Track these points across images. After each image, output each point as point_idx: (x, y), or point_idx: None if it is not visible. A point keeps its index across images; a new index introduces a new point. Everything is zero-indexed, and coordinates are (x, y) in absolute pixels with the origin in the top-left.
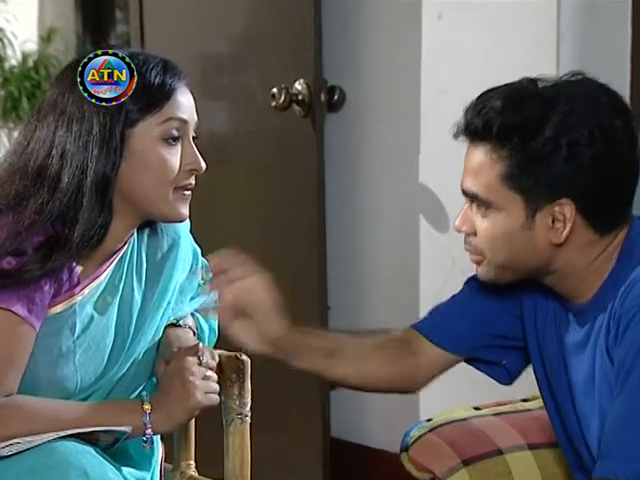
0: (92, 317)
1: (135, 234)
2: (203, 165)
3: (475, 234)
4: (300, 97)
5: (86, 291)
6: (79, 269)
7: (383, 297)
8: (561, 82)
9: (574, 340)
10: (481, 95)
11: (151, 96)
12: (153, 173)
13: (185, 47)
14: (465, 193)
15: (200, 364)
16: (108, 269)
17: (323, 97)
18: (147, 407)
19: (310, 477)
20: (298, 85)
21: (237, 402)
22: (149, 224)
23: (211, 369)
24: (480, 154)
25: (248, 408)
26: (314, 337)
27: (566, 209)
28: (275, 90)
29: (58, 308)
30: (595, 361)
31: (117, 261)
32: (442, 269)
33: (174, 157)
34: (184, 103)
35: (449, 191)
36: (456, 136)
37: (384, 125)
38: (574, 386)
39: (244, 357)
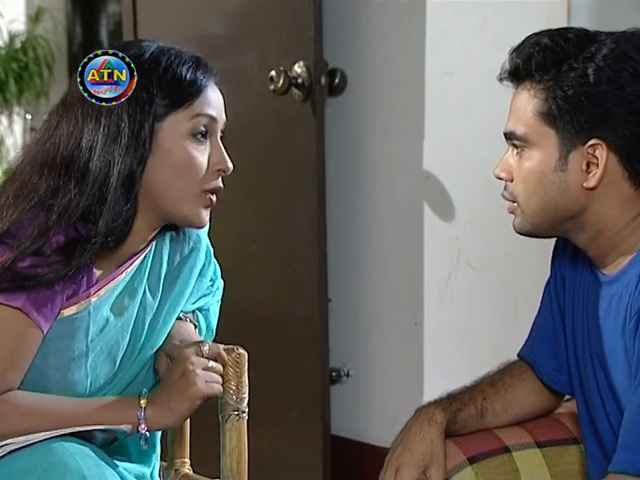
0: (108, 320)
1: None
2: (230, 166)
3: (512, 181)
4: (299, 80)
5: (102, 292)
6: (98, 272)
7: (385, 290)
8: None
9: (601, 310)
10: (526, 37)
11: (182, 91)
12: (180, 170)
13: (179, 27)
14: (505, 136)
15: (202, 355)
16: (127, 270)
17: (323, 80)
18: (143, 402)
19: (310, 476)
20: (297, 67)
21: (234, 397)
22: (173, 227)
23: (214, 360)
24: (521, 94)
25: (245, 404)
26: (461, 413)
27: (599, 151)
28: (273, 73)
29: (73, 309)
30: (617, 336)
31: (138, 263)
32: (447, 261)
33: (202, 155)
34: (214, 100)
35: (455, 179)
36: (501, 80)
37: (387, 110)
38: (598, 356)
39: (241, 350)
